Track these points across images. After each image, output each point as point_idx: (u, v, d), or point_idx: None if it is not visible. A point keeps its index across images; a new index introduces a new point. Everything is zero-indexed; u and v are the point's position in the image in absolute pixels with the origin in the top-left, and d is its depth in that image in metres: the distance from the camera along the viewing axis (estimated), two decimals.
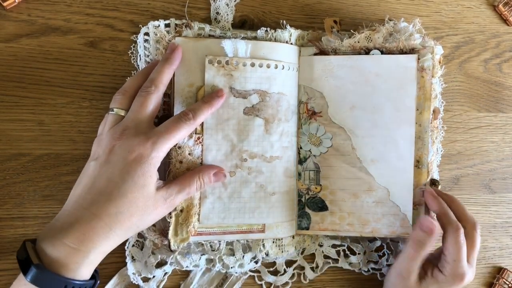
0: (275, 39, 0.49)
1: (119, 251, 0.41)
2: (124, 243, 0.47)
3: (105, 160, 0.40)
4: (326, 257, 0.52)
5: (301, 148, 0.50)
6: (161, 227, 0.47)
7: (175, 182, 0.44)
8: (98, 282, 0.41)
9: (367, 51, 0.49)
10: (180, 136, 0.42)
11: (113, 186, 0.39)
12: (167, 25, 0.48)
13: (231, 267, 0.49)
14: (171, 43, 0.46)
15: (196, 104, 0.45)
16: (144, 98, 0.42)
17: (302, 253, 0.52)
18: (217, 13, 0.50)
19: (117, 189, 0.39)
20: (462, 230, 0.45)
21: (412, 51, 0.48)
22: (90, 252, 0.38)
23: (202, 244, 0.49)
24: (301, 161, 0.50)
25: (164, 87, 0.44)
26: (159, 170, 0.42)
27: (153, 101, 0.43)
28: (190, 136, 0.46)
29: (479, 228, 0.46)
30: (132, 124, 0.42)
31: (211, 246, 0.49)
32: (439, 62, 0.50)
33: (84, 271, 0.38)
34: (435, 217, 0.48)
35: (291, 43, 0.49)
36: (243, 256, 0.49)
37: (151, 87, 0.43)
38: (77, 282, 0.38)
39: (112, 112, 0.43)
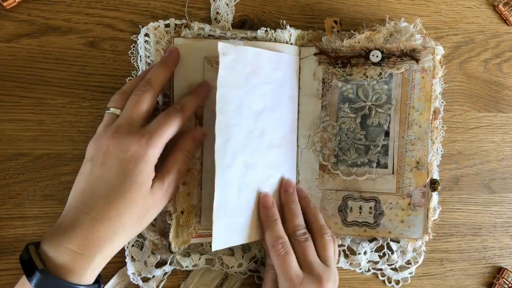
0: (275, 39, 0.49)
1: (119, 251, 0.41)
2: None
3: (101, 161, 0.40)
4: None
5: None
6: (160, 228, 0.47)
7: (163, 167, 0.43)
8: (102, 285, 0.41)
9: (367, 52, 0.49)
10: (172, 129, 0.42)
11: (111, 188, 0.39)
12: (167, 25, 0.48)
13: (231, 267, 0.49)
14: (170, 45, 0.46)
15: (182, 97, 0.45)
16: (138, 96, 0.42)
17: None
18: (217, 13, 0.50)
19: (115, 191, 0.39)
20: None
21: (413, 51, 0.48)
22: (95, 256, 0.38)
23: (202, 244, 0.49)
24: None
25: (159, 87, 0.43)
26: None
27: (147, 99, 0.42)
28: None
29: (325, 231, 0.46)
30: (124, 122, 0.41)
31: (210, 246, 0.49)
32: (439, 62, 0.50)
33: (89, 275, 0.38)
34: None
35: (291, 43, 0.49)
36: (242, 256, 0.50)
37: (146, 87, 0.42)
38: (82, 286, 0.38)
39: (108, 111, 0.43)
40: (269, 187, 0.48)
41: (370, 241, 0.53)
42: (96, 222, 0.38)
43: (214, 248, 0.42)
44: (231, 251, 0.50)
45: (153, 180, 0.41)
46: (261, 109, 0.46)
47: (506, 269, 0.56)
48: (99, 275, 0.40)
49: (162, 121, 0.41)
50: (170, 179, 0.42)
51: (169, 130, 0.42)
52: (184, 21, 0.48)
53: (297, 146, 0.50)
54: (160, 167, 0.43)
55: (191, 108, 0.44)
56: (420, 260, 0.53)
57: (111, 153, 0.40)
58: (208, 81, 0.46)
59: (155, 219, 0.44)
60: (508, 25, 0.56)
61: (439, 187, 0.50)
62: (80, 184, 0.40)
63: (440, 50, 0.50)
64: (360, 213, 0.50)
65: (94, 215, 0.38)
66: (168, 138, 0.42)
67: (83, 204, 0.39)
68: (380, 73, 0.48)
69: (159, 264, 0.48)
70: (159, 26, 0.48)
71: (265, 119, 0.46)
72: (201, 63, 0.46)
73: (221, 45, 0.42)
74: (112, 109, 0.43)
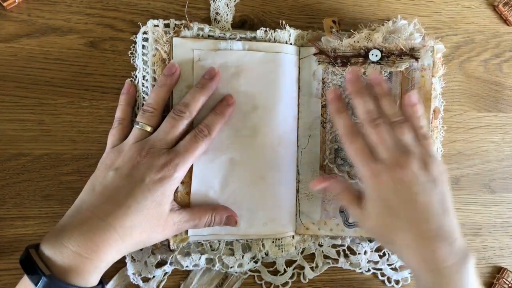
0: (274, 39, 0.49)
1: None
2: None
3: (127, 173, 0.41)
4: (326, 257, 0.52)
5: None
6: None
7: (188, 210, 0.45)
8: (106, 286, 0.42)
9: (366, 51, 0.49)
10: (198, 153, 0.44)
11: (132, 200, 0.40)
12: (166, 25, 0.48)
13: (231, 267, 0.49)
14: (210, 67, 0.46)
15: (209, 117, 0.45)
16: (176, 121, 0.43)
17: (302, 253, 0.52)
18: (217, 13, 0.50)
19: (135, 204, 0.40)
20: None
21: (412, 50, 0.48)
22: (102, 261, 0.39)
23: (202, 244, 0.49)
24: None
25: (196, 112, 0.45)
26: None
27: (184, 125, 0.44)
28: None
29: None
30: (158, 144, 0.43)
31: (210, 246, 0.49)
32: (440, 61, 0.50)
33: (94, 279, 0.39)
34: None
35: (291, 43, 0.49)
36: (242, 256, 0.49)
37: (185, 113, 0.44)
38: None
39: (137, 126, 0.44)
40: (267, 184, 0.48)
41: (370, 241, 0.53)
42: (110, 228, 0.39)
43: (189, 233, 0.47)
44: (231, 251, 0.50)
45: (174, 210, 0.43)
46: (250, 109, 0.47)
47: (506, 269, 0.56)
48: (101, 277, 0.41)
49: (190, 146, 0.43)
50: (184, 222, 0.44)
51: (196, 154, 0.44)
52: (183, 21, 0.48)
53: (297, 146, 0.50)
54: (187, 208, 0.45)
55: (217, 129, 0.45)
56: None
57: (140, 169, 0.41)
58: (232, 96, 0.47)
59: None
60: (508, 25, 0.56)
61: None
62: (97, 188, 0.41)
63: (440, 48, 0.50)
64: None
65: (110, 221, 0.39)
66: (194, 161, 0.44)
67: (97, 209, 0.39)
68: (380, 72, 0.48)
69: (159, 264, 0.48)
70: (158, 24, 0.47)
71: (258, 118, 0.47)
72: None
73: (197, 52, 0.46)
74: (141, 124, 0.44)
